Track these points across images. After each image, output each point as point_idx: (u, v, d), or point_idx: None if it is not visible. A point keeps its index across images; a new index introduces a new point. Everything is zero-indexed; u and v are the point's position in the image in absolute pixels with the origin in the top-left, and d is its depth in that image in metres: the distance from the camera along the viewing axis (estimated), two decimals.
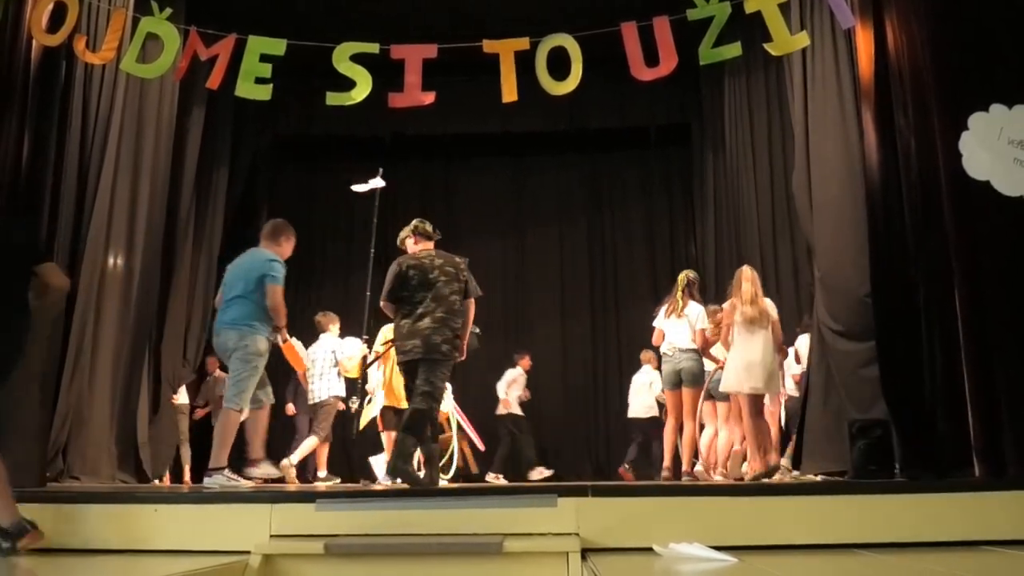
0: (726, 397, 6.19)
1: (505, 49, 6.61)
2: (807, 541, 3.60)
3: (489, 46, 6.66)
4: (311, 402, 7.19)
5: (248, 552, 3.27)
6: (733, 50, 6.41)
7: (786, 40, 6.07)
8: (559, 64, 6.48)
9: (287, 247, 5.19)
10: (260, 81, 6.40)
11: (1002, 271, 4.55)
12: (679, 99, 9.03)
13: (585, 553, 3.42)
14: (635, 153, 9.90)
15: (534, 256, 10.00)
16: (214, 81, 6.26)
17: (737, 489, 3.89)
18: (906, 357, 4.63)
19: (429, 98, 6.60)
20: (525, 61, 6.51)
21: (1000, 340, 4.43)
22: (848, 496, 3.76)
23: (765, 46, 5.90)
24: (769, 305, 5.84)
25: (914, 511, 3.68)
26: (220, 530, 3.41)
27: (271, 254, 5.00)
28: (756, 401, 5.76)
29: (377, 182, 7.27)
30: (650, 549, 3.42)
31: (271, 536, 3.40)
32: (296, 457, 6.85)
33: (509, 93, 6.51)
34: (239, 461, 4.86)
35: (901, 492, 3.80)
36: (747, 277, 5.85)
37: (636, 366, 8.50)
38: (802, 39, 6.00)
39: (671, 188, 9.81)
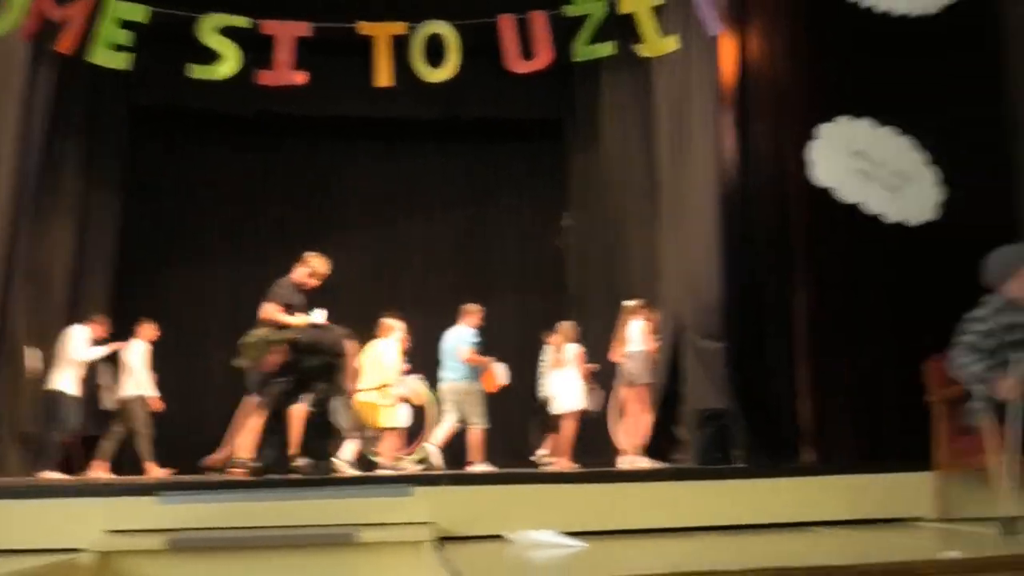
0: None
1: (381, 33, 6.53)
2: (655, 525, 3.75)
3: (364, 28, 6.55)
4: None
5: (81, 550, 3.10)
6: (607, 49, 6.58)
7: (657, 42, 6.27)
8: (437, 51, 6.45)
9: None
10: (119, 48, 6.06)
11: (840, 274, 4.88)
12: (555, 94, 9.12)
13: (440, 542, 3.44)
14: (510, 146, 9.90)
15: (403, 245, 9.87)
16: (66, 44, 5.88)
17: (588, 476, 4.01)
18: (751, 352, 4.89)
19: (300, 78, 6.44)
20: (403, 46, 6.45)
21: (834, 338, 4.75)
22: (693, 482, 3.94)
23: (636, 47, 6.07)
24: (570, 348, 7.42)
25: (752, 495, 3.90)
26: (50, 527, 3.21)
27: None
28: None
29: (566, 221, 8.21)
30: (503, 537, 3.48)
31: (107, 532, 3.23)
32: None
33: (382, 77, 6.44)
34: None
35: (741, 478, 4.03)
36: (561, 331, 7.51)
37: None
38: (672, 42, 6.20)
39: (544, 183, 9.87)
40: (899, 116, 5.11)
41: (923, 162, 5.11)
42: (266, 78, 6.33)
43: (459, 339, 7.17)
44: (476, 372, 7.21)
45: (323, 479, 4.32)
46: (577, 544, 3.28)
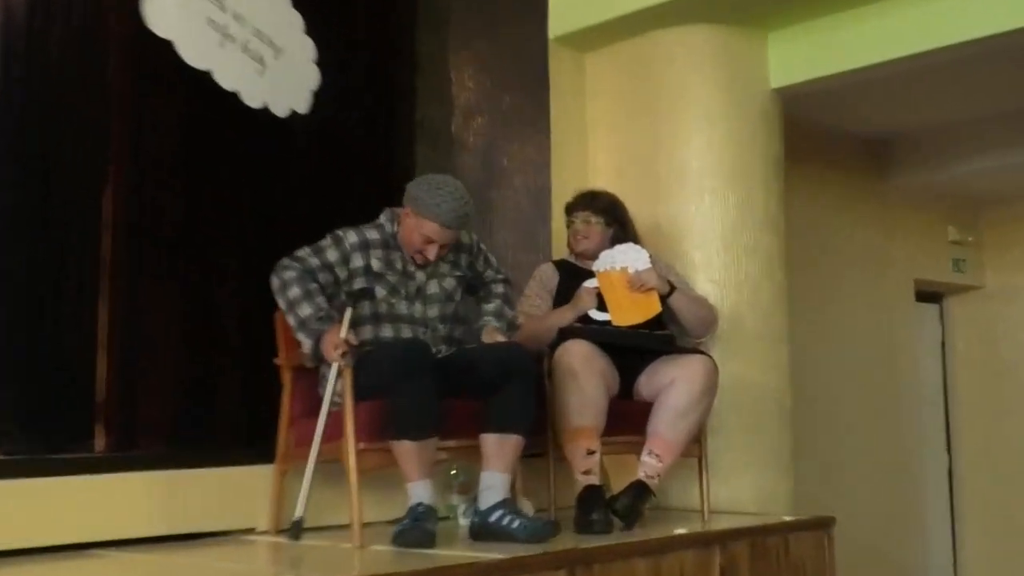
0: None
1: None
2: None
3: None
4: None
5: None
6: None
7: None
8: None
9: None
10: None
11: (173, 167, 3.41)
12: None
13: None
14: None
15: None
16: None
17: None
18: (32, 283, 3.05)
19: None
20: None
21: (155, 261, 3.28)
22: None
23: None
24: None
25: (13, 503, 2.51)
26: None
27: None
28: None
29: None
30: None
31: None
32: None
33: None
34: None
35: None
36: None
37: None
38: None
39: None
40: None
41: (300, 30, 3.88)
42: None
43: None
44: None
45: None
46: None
